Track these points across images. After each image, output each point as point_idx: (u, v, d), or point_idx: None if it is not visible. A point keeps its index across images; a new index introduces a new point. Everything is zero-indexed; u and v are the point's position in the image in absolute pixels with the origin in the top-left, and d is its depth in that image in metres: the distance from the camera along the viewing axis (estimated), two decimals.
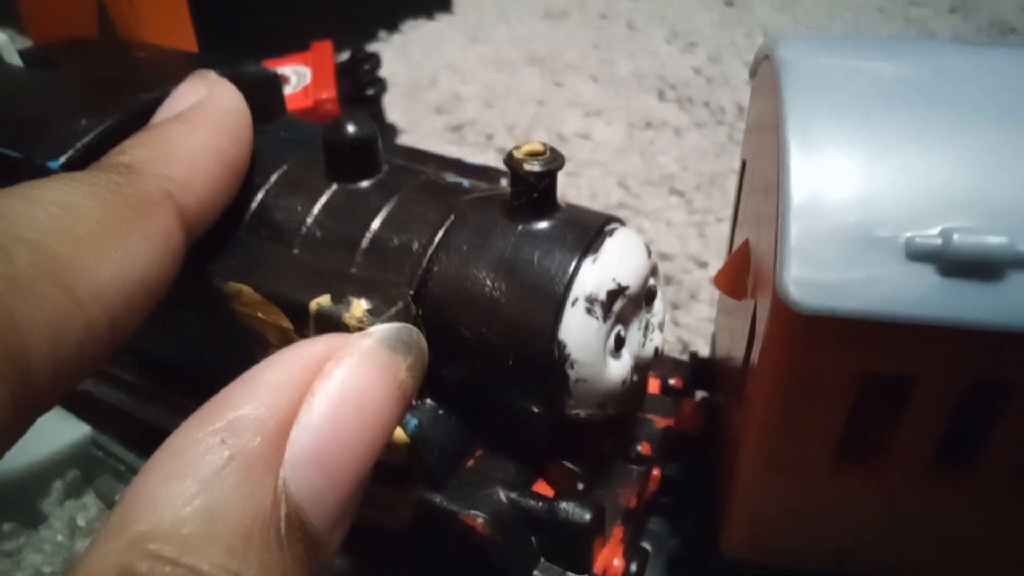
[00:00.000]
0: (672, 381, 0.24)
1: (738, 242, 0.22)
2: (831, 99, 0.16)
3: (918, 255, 0.14)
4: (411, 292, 0.19)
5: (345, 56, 0.47)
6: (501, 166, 0.20)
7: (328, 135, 0.21)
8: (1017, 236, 0.14)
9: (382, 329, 0.15)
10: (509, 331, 0.18)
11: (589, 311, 0.18)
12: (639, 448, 0.22)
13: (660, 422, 0.24)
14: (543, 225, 0.19)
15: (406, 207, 0.20)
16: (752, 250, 0.20)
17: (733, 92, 0.51)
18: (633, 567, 0.20)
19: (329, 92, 0.42)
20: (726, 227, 0.39)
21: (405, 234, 0.20)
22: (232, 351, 0.21)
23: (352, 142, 0.21)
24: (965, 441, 0.16)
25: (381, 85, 0.43)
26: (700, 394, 0.26)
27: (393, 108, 0.51)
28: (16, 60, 0.26)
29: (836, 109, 0.16)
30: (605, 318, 0.18)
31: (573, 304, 0.18)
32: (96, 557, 0.11)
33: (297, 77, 0.43)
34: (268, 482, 0.13)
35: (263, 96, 0.26)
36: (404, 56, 0.60)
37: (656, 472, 0.22)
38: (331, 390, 0.14)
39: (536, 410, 0.19)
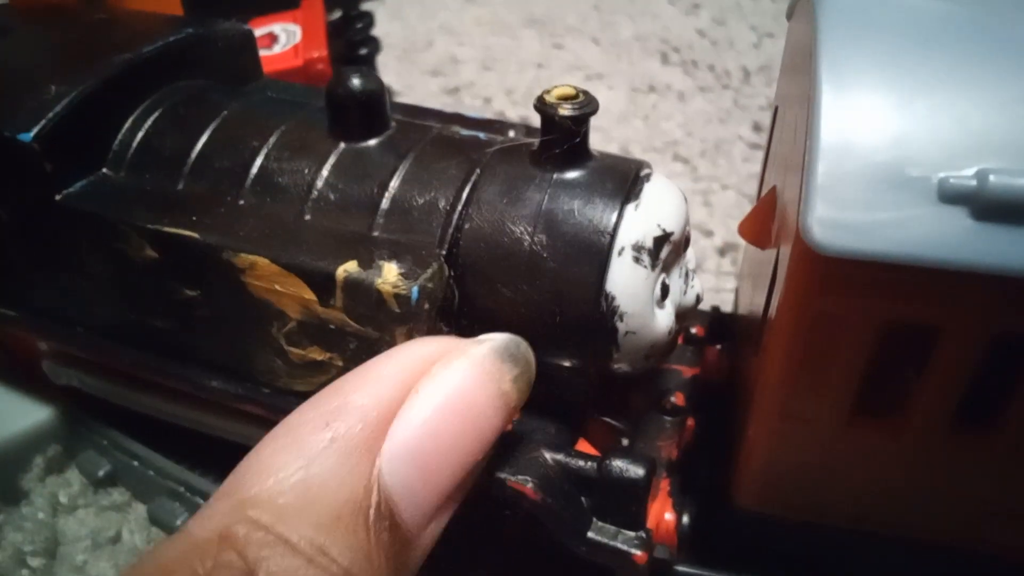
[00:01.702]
0: (694, 330, 0.24)
1: (765, 191, 0.22)
2: (867, 34, 0.16)
3: (951, 197, 0.14)
4: (442, 252, 0.18)
5: (337, 15, 0.44)
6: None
7: (333, 91, 0.19)
8: None
9: (494, 338, 0.16)
10: (553, 286, 0.17)
11: (637, 260, 0.17)
12: (673, 399, 0.22)
13: (686, 371, 0.23)
14: (578, 173, 0.18)
15: (425, 164, 0.19)
16: (778, 197, 0.19)
17: (738, 55, 0.50)
18: (685, 519, 0.19)
19: (320, 51, 0.39)
20: (732, 195, 0.39)
21: (429, 192, 0.18)
22: (241, 328, 0.19)
23: (359, 98, 0.19)
24: (987, 399, 0.16)
25: (374, 44, 0.40)
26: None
27: (387, 70, 0.49)
28: None
29: (871, 44, 0.15)
30: (653, 266, 0.17)
31: (620, 254, 0.17)
32: (205, 515, 0.13)
33: (286, 35, 0.41)
34: (364, 468, 0.13)
35: (237, 54, 0.25)
36: (398, 17, 0.58)
37: (690, 422, 0.22)
38: (435, 390, 0.14)
39: (579, 367, 0.19)
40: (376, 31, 0.46)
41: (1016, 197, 0.13)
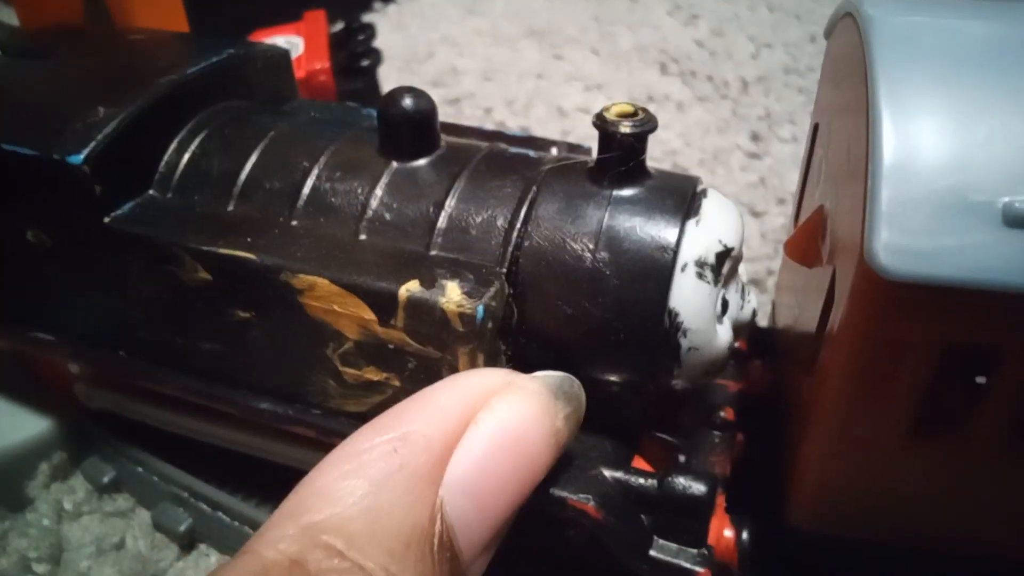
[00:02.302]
0: (737, 344, 0.24)
1: (808, 208, 0.22)
2: (921, 57, 0.16)
3: (1016, 221, 0.14)
4: (503, 271, 0.18)
5: (339, 27, 0.44)
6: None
7: (386, 111, 0.19)
8: None
9: (548, 375, 0.16)
10: (617, 303, 0.17)
11: (700, 275, 0.17)
12: (723, 414, 0.22)
13: (732, 386, 0.23)
14: (636, 190, 0.18)
15: (480, 182, 0.19)
16: (829, 215, 0.19)
17: (736, 66, 0.50)
18: (744, 535, 0.19)
19: (322, 63, 0.39)
20: None
21: (486, 210, 0.18)
22: (294, 350, 0.19)
23: (412, 118, 0.19)
24: None
25: (376, 56, 0.41)
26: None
27: (388, 81, 0.49)
28: None
29: (927, 68, 0.15)
30: (715, 281, 0.17)
31: (683, 270, 0.17)
32: (268, 539, 0.13)
33: (289, 47, 0.41)
34: (429, 497, 0.13)
35: (276, 75, 0.25)
36: (399, 28, 0.58)
37: (740, 437, 0.22)
38: (494, 425, 0.14)
39: (638, 384, 0.19)
40: (378, 42, 0.47)
41: None
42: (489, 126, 0.46)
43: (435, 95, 0.53)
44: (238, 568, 0.12)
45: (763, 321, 0.29)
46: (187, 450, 0.24)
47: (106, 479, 0.25)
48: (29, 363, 0.26)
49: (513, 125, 0.46)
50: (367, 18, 0.60)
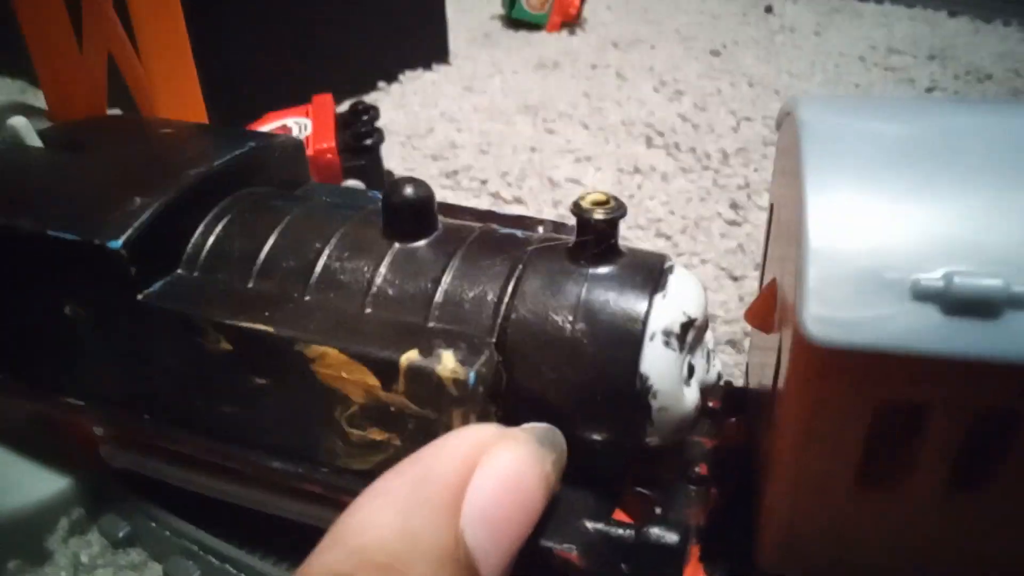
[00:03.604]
0: (711, 403, 0.26)
1: (767, 280, 0.24)
2: (846, 153, 0.18)
3: (923, 295, 0.16)
4: (492, 340, 0.20)
5: (346, 106, 0.48)
6: (509, 209, 0.21)
7: (389, 198, 0.22)
8: (1012, 278, 0.16)
9: (535, 427, 0.19)
10: (593, 369, 0.19)
11: (667, 344, 0.19)
12: (697, 469, 0.23)
13: (706, 442, 0.25)
14: (610, 268, 0.20)
15: (472, 261, 0.21)
16: (778, 288, 0.22)
17: (718, 139, 0.54)
18: None
19: (328, 142, 0.43)
20: (710, 268, 0.41)
21: (477, 286, 0.21)
22: (306, 413, 0.21)
23: (412, 205, 0.22)
24: (979, 464, 0.18)
25: (379, 135, 0.44)
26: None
27: (391, 155, 0.53)
28: (36, 142, 0.27)
29: (850, 162, 0.18)
30: (681, 349, 0.20)
31: (651, 339, 0.19)
32: (319, 563, 0.14)
33: (298, 128, 0.45)
34: (452, 526, 0.15)
35: (291, 162, 0.27)
36: (402, 105, 0.62)
37: (714, 491, 0.24)
38: (497, 467, 0.17)
39: (615, 442, 0.21)
40: (382, 119, 0.50)
41: (977, 294, 0.16)
42: (485, 197, 0.49)
43: (435, 168, 0.56)
44: None
45: (741, 379, 0.31)
46: (199, 506, 0.26)
47: (121, 534, 0.27)
48: (55, 425, 0.28)
49: (507, 196, 0.49)
50: (373, 97, 0.64)
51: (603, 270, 0.20)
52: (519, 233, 0.23)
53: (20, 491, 0.27)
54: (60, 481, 0.27)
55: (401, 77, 0.67)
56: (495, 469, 0.17)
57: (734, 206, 0.46)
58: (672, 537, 0.20)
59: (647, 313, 0.19)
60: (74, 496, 0.27)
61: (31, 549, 0.26)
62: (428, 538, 0.15)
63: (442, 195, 0.49)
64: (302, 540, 0.25)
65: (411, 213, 0.22)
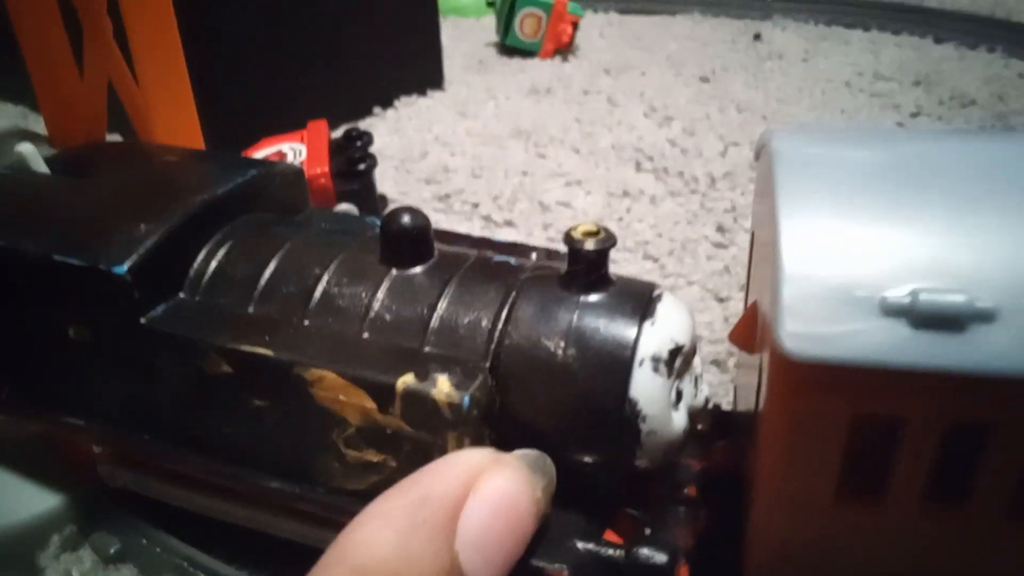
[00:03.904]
0: (699, 426, 0.27)
1: (749, 302, 0.25)
2: (816, 181, 0.19)
3: (891, 311, 0.17)
4: (486, 365, 0.21)
5: (340, 132, 0.49)
6: (494, 237, 0.22)
7: (387, 227, 0.23)
8: (975, 294, 0.17)
9: (525, 453, 0.19)
10: (584, 393, 0.20)
11: (655, 369, 0.20)
12: (686, 491, 0.24)
13: (695, 465, 0.26)
14: (600, 296, 0.21)
15: (467, 287, 0.22)
16: (759, 309, 0.23)
17: (706, 163, 0.55)
18: None
19: (322, 167, 0.44)
20: (696, 289, 0.42)
21: (472, 312, 0.21)
22: (303, 435, 0.22)
23: (410, 232, 0.23)
24: (955, 478, 0.19)
25: (372, 160, 0.45)
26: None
27: (385, 179, 0.53)
28: (43, 168, 0.27)
29: (820, 190, 0.19)
30: (669, 374, 0.20)
31: (640, 364, 0.20)
32: None
33: (293, 153, 0.45)
34: (448, 547, 0.16)
35: (291, 189, 0.28)
36: (397, 130, 0.63)
37: (703, 512, 0.24)
38: (490, 492, 0.17)
39: (606, 464, 0.21)
40: (376, 143, 0.51)
41: (942, 310, 0.17)
42: (476, 220, 0.50)
43: (428, 192, 0.57)
44: None
45: (726, 398, 0.32)
46: (190, 524, 0.26)
47: (112, 550, 0.27)
48: (51, 442, 0.29)
49: (498, 219, 0.50)
50: (368, 122, 0.65)
51: (594, 298, 0.21)
52: (513, 261, 0.24)
53: (13, 508, 0.27)
54: (53, 498, 0.28)
55: (396, 103, 0.68)
56: (489, 494, 0.17)
57: (720, 229, 0.47)
58: (661, 557, 0.20)
59: (636, 340, 0.20)
60: (67, 513, 0.28)
61: (23, 565, 0.27)
62: (427, 559, 0.15)
63: (435, 218, 0.49)
64: (293, 558, 0.25)
65: (408, 241, 0.23)
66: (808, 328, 0.17)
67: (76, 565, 0.27)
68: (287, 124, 0.49)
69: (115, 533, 0.28)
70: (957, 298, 0.17)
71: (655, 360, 0.20)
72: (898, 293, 0.17)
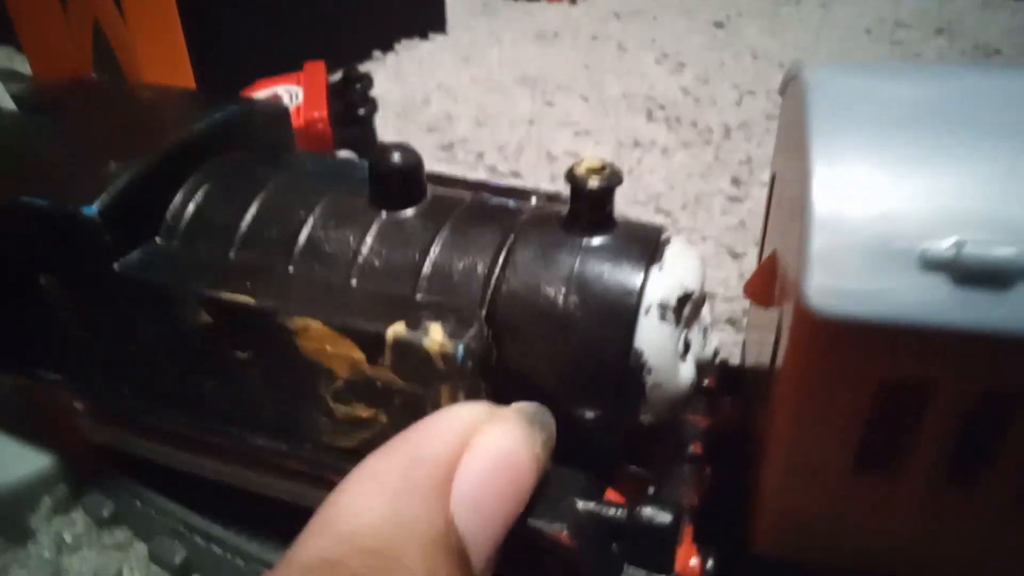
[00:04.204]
0: (706, 382, 0.25)
1: (766, 252, 0.23)
2: (853, 119, 0.17)
3: (931, 265, 0.15)
4: (482, 313, 0.19)
5: (338, 76, 0.47)
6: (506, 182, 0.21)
7: (375, 165, 0.21)
8: None
9: (523, 406, 0.18)
10: (586, 343, 0.19)
11: (663, 317, 0.19)
12: (692, 448, 0.23)
13: (701, 421, 0.25)
14: (604, 239, 0.19)
15: (462, 231, 0.21)
16: (779, 260, 0.21)
17: (720, 112, 0.53)
18: (710, 563, 0.20)
19: (320, 112, 0.42)
20: (711, 245, 0.40)
21: (467, 257, 0.20)
22: (289, 388, 0.21)
23: (400, 171, 0.21)
24: (978, 454, 0.17)
25: (372, 105, 0.43)
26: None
27: (386, 127, 0.52)
28: (10, 105, 0.26)
29: (857, 128, 0.17)
30: (677, 323, 0.19)
31: (647, 312, 0.19)
32: (304, 550, 0.14)
33: (289, 96, 0.43)
34: (442, 510, 0.15)
35: (276, 130, 0.26)
36: (398, 76, 0.61)
37: (708, 470, 0.23)
38: (487, 448, 0.16)
39: (608, 419, 0.20)
40: (376, 90, 0.49)
41: (988, 265, 0.15)
42: (481, 170, 0.48)
43: (430, 140, 0.55)
44: None
45: (739, 358, 0.31)
46: (185, 485, 0.25)
47: (106, 513, 0.26)
48: (37, 400, 0.28)
49: (504, 170, 0.48)
50: (366, 67, 0.63)
51: (597, 241, 0.19)
52: (511, 203, 0.22)
53: (1, 469, 0.26)
54: (43, 459, 0.27)
55: (397, 46, 0.66)
56: (485, 451, 0.16)
57: (735, 182, 0.46)
58: (665, 517, 0.19)
59: (643, 285, 0.19)
60: (57, 474, 0.27)
61: (13, 528, 0.26)
62: (420, 524, 0.14)
63: (437, 168, 0.48)
64: (289, 519, 0.24)
65: (399, 181, 0.21)
66: (839, 282, 0.15)
67: (68, 528, 0.26)
68: (283, 66, 0.47)
69: (108, 495, 0.27)
70: (1006, 251, 0.15)
71: (662, 307, 0.19)
72: (940, 245, 0.15)
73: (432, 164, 0.48)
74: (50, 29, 0.31)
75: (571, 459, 0.21)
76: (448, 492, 0.15)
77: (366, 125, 0.43)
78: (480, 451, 0.16)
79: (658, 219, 0.42)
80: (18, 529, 0.26)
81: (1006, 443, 0.17)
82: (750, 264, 0.39)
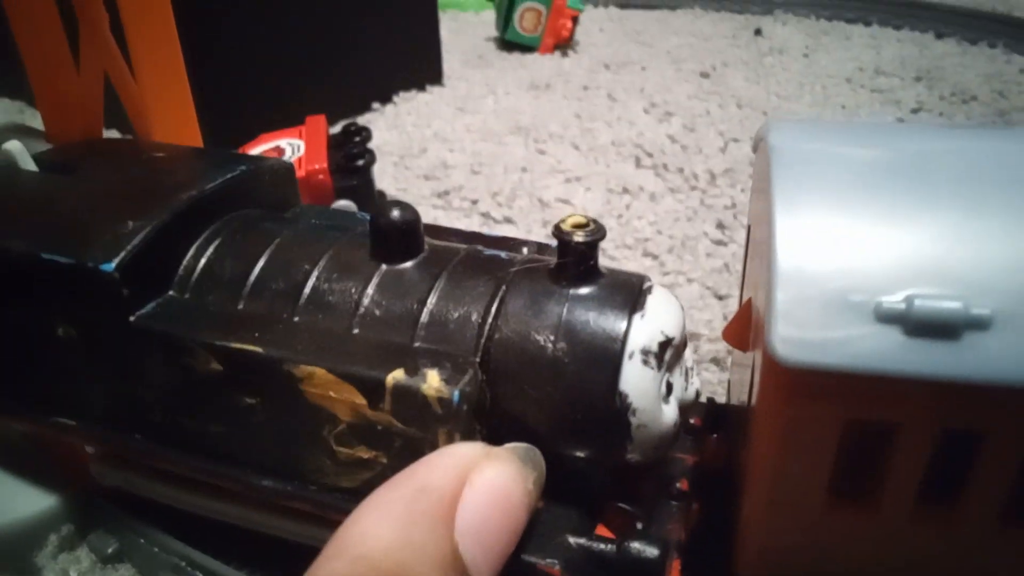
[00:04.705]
0: (692, 420, 0.27)
1: (744, 299, 0.25)
2: (814, 180, 0.19)
3: (885, 317, 0.16)
4: (476, 360, 0.20)
5: (338, 128, 0.49)
6: (491, 231, 0.22)
7: (376, 221, 0.22)
8: (971, 300, 0.16)
9: (515, 446, 0.19)
10: (574, 387, 0.20)
11: (645, 362, 0.20)
12: (678, 485, 0.24)
13: (688, 459, 0.26)
14: (590, 289, 0.21)
15: (457, 282, 0.22)
16: (753, 307, 0.22)
17: (706, 159, 0.54)
18: None
19: (321, 163, 0.44)
20: (696, 287, 0.42)
21: (462, 307, 0.21)
22: (294, 432, 0.22)
23: (400, 227, 0.22)
24: (946, 484, 0.18)
25: (370, 156, 0.45)
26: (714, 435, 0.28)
27: (384, 175, 0.53)
28: (31, 166, 0.27)
29: (818, 189, 0.19)
30: (659, 367, 0.20)
31: (630, 357, 0.20)
32: (321, 573, 0.15)
33: (291, 149, 0.45)
34: (448, 538, 0.16)
35: (281, 185, 0.28)
36: (396, 126, 0.63)
37: (695, 506, 0.24)
38: (485, 484, 0.17)
39: (597, 458, 0.21)
40: (375, 140, 0.50)
41: (936, 317, 0.16)
42: (475, 216, 0.50)
43: (426, 188, 0.57)
44: None
45: (725, 397, 0.32)
46: (188, 523, 0.26)
47: (110, 550, 0.27)
48: (46, 442, 0.29)
49: (498, 216, 0.49)
50: (367, 118, 0.65)
51: (584, 290, 0.21)
52: (503, 254, 0.23)
53: (10, 507, 0.27)
54: (50, 497, 0.27)
55: (395, 98, 0.68)
56: (483, 485, 0.17)
57: (720, 226, 0.47)
58: (652, 551, 0.20)
59: (626, 332, 0.20)
60: (64, 512, 0.28)
61: (21, 565, 0.27)
62: (429, 547, 0.15)
63: (433, 215, 0.49)
64: (291, 558, 0.25)
65: (398, 235, 0.22)
66: (801, 333, 0.17)
67: (74, 565, 0.27)
68: (285, 120, 0.49)
69: (113, 532, 0.28)
70: (953, 305, 0.16)
71: (645, 353, 0.20)
72: (893, 299, 0.16)
73: (428, 211, 0.50)
74: (63, 85, 0.33)
75: (563, 497, 0.22)
76: (452, 521, 0.16)
77: (365, 175, 0.45)
78: (478, 486, 0.17)
79: (646, 262, 0.44)
80: (25, 566, 0.27)
81: (972, 474, 0.18)
82: (734, 306, 0.40)
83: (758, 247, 0.21)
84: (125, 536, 0.27)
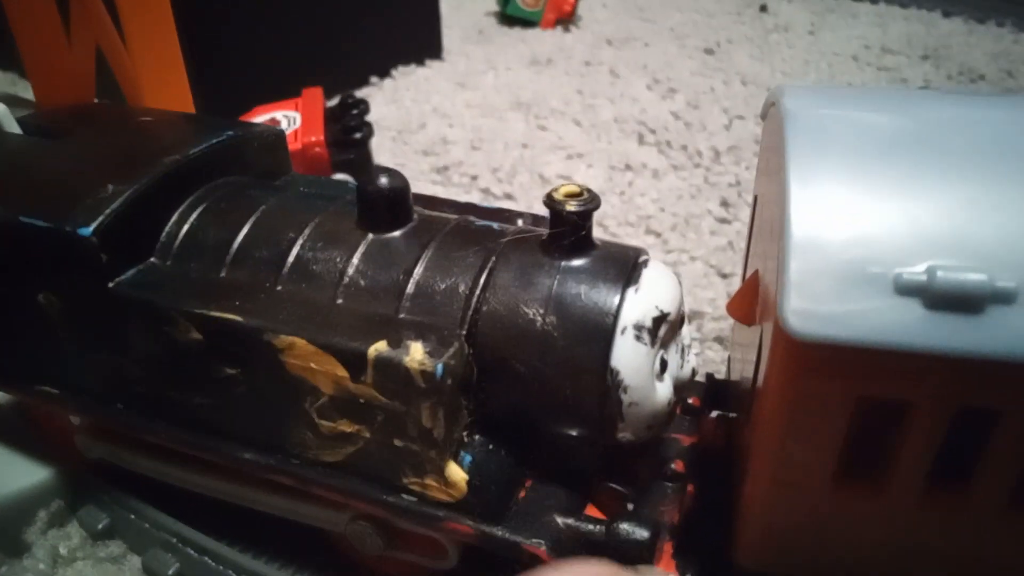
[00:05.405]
0: (690, 400, 0.26)
1: (749, 272, 0.24)
2: (830, 147, 0.18)
3: (905, 289, 0.16)
4: (463, 333, 0.20)
5: (335, 101, 0.48)
6: (499, 205, 0.21)
7: (363, 188, 0.22)
8: (996, 273, 0.15)
9: (653, 570, 0.18)
10: (564, 363, 0.19)
11: (638, 338, 0.19)
12: (673, 466, 0.23)
13: (685, 440, 0.25)
14: (583, 261, 0.20)
15: (446, 252, 0.21)
16: (760, 280, 0.22)
17: (710, 136, 0.53)
18: None
19: (317, 136, 0.43)
20: (700, 265, 0.41)
21: (449, 278, 0.21)
22: (276, 404, 0.21)
23: (387, 195, 0.22)
24: (959, 463, 0.18)
25: (368, 129, 0.44)
26: (714, 412, 0.27)
27: (381, 150, 0.52)
28: (16, 129, 0.26)
29: (834, 156, 0.18)
30: (652, 343, 0.19)
31: (623, 333, 0.19)
32: None
33: (287, 121, 0.44)
34: None
35: (272, 153, 0.27)
36: (394, 101, 0.62)
37: (690, 488, 0.23)
38: None
39: (587, 437, 0.20)
40: (373, 114, 0.50)
41: (960, 289, 0.15)
42: (475, 193, 0.49)
43: (425, 163, 0.56)
44: None
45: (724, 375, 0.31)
46: (177, 499, 0.26)
47: (100, 526, 0.27)
48: (31, 415, 0.28)
49: (498, 192, 0.49)
50: (365, 92, 0.64)
51: (576, 263, 0.20)
52: (495, 225, 0.23)
53: None
54: (39, 473, 0.27)
55: (394, 72, 0.67)
56: None
57: (724, 204, 0.46)
58: (642, 533, 0.20)
59: (618, 307, 0.19)
60: (53, 488, 0.27)
61: (9, 541, 0.26)
62: None
63: (432, 190, 0.49)
64: (280, 533, 0.25)
65: (386, 204, 0.22)
66: (815, 306, 0.16)
67: (64, 541, 0.27)
68: (281, 91, 0.48)
69: (103, 508, 0.27)
70: (977, 277, 0.15)
71: (638, 328, 0.19)
72: (914, 271, 0.16)
73: (427, 187, 0.49)
74: (54, 55, 0.32)
75: (552, 476, 0.22)
76: None
77: (362, 149, 0.44)
78: None
79: (648, 240, 0.43)
80: (14, 542, 0.26)
81: (985, 454, 0.17)
82: (738, 284, 0.39)
83: (766, 220, 0.21)
84: (116, 512, 0.27)
